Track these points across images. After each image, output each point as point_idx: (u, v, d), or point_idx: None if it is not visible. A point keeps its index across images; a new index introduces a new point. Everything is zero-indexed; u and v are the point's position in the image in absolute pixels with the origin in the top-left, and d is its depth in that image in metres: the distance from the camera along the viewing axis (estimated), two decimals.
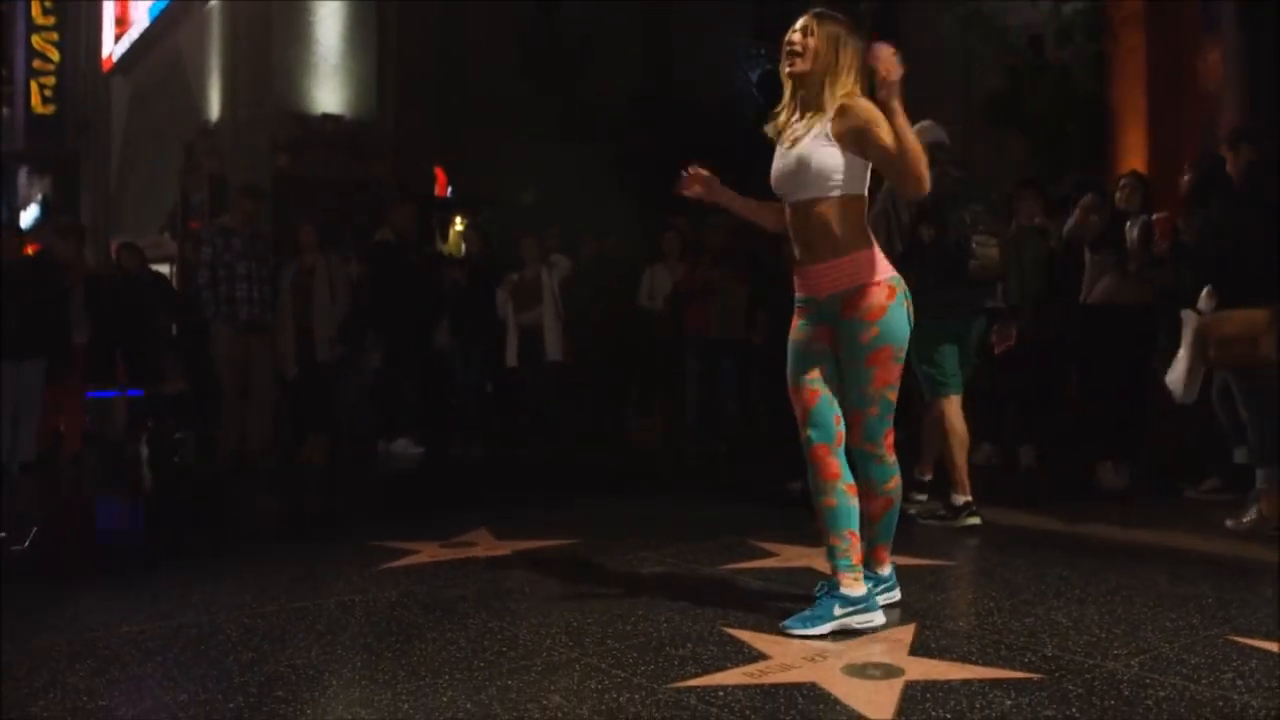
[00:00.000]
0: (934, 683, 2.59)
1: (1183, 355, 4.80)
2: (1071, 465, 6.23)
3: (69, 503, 6.81)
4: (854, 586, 3.05)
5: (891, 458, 3.17)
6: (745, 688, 2.58)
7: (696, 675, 2.68)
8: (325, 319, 7.69)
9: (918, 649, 2.88)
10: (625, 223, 10.31)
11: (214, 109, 16.58)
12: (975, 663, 2.75)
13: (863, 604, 3.05)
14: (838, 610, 3.01)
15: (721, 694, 2.54)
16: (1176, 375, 4.84)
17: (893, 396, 3.13)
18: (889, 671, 2.68)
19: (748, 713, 2.42)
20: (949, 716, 2.37)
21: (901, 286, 3.10)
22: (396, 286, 7.96)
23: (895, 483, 3.21)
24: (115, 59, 21.07)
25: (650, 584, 3.72)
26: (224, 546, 4.81)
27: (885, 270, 3.09)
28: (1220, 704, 2.43)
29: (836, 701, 2.48)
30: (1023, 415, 6.76)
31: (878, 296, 3.04)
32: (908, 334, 3.10)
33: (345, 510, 6.01)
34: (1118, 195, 6.03)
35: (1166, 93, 10.42)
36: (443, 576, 3.88)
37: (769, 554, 4.18)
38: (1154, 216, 5.63)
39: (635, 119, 15.26)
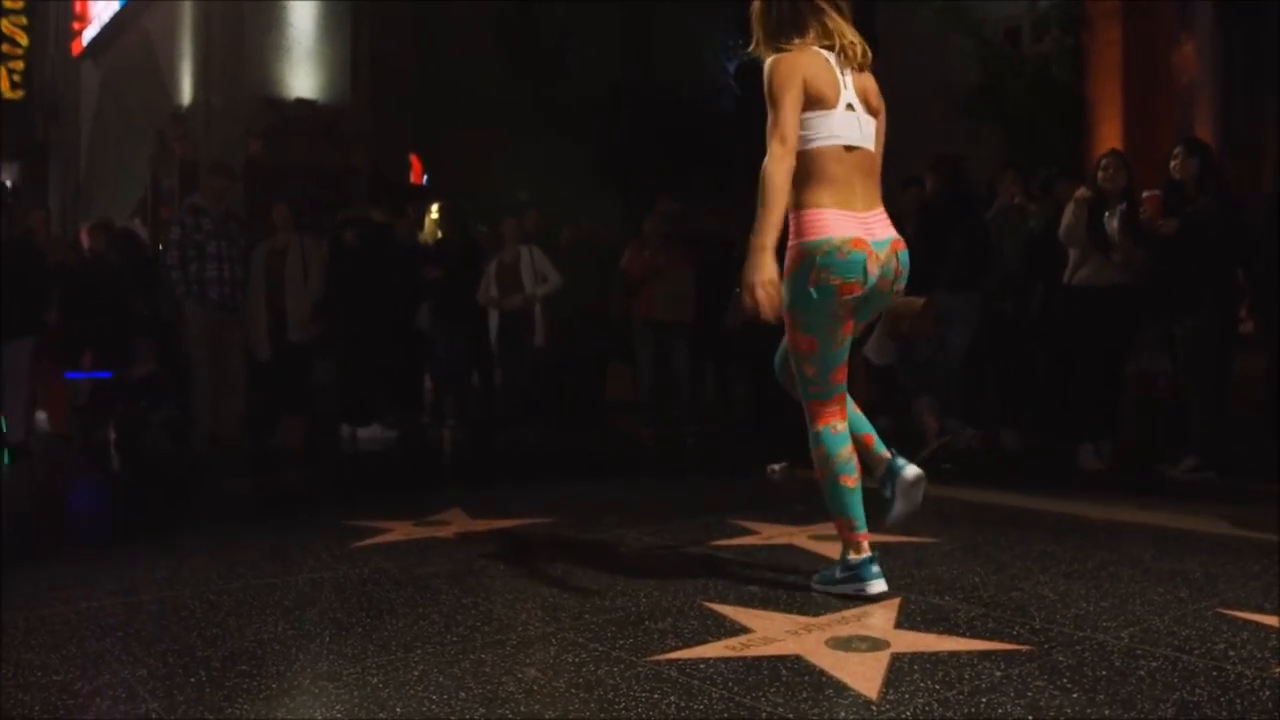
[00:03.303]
0: (921, 654, 2.52)
1: (877, 329, 5.80)
2: (1053, 447, 6.20)
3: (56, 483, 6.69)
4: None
5: (816, 427, 3.06)
6: (728, 660, 2.50)
7: (677, 648, 2.60)
8: (298, 299, 7.55)
9: (903, 622, 2.81)
10: (605, 214, 10.22)
11: (185, 94, 16.35)
12: (963, 635, 2.69)
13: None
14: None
15: (703, 666, 2.46)
16: (870, 345, 5.84)
17: (806, 369, 3.02)
18: (875, 644, 2.60)
19: (731, 685, 2.34)
20: (937, 687, 2.30)
21: (814, 252, 2.90)
22: (375, 268, 7.86)
23: (818, 453, 3.07)
24: (85, 43, 20.78)
25: (628, 560, 3.64)
26: (192, 526, 4.69)
27: (807, 233, 2.93)
28: (1214, 674, 2.37)
29: (822, 673, 2.40)
30: (1004, 398, 6.71)
31: (787, 260, 2.98)
32: (805, 304, 2.94)
33: (317, 491, 5.89)
34: (1100, 175, 5.95)
35: (1142, 86, 10.46)
36: (415, 554, 3.78)
37: (749, 532, 4.11)
38: (1144, 194, 5.58)
39: (615, 111, 15.14)
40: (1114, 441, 5.91)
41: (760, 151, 2.93)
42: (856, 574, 3.02)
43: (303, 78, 15.96)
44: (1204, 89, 10.58)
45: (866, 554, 3.02)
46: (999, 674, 2.38)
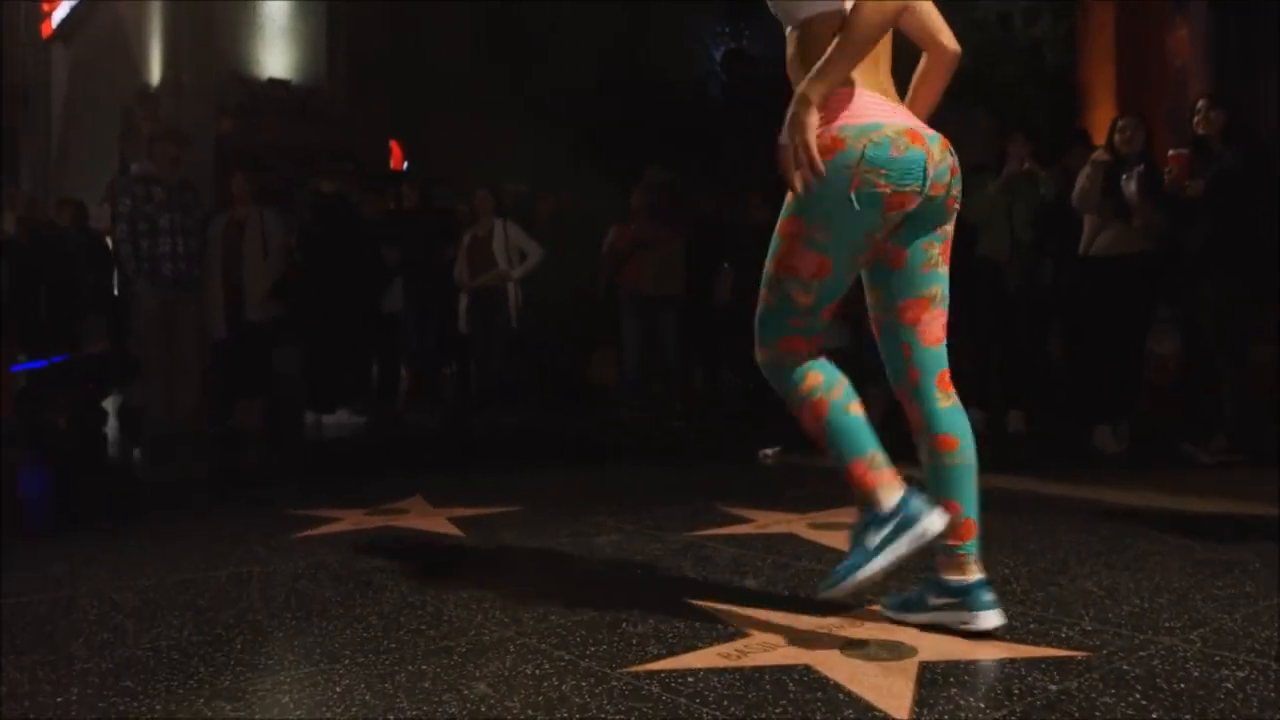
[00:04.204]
0: (956, 663, 2.07)
1: None
2: (1065, 429, 5.78)
3: None
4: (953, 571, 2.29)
5: (792, 360, 2.26)
6: (721, 671, 2.05)
7: (659, 657, 2.15)
8: (257, 276, 7.05)
9: (928, 623, 2.36)
10: (590, 202, 9.78)
11: (156, 73, 15.84)
12: (1001, 639, 2.24)
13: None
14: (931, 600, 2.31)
15: (691, 679, 2.01)
16: None
17: (798, 295, 2.20)
18: (898, 651, 2.16)
19: (725, 703, 1.89)
20: (982, 705, 1.85)
21: (860, 140, 2.08)
22: (337, 244, 7.38)
23: (809, 384, 2.25)
24: (54, 25, 20.22)
25: (605, 552, 3.19)
26: (121, 515, 4.22)
27: (845, 114, 2.12)
28: None
29: (838, 687, 1.95)
30: (1009, 379, 6.26)
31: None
32: (835, 215, 2.11)
33: (269, 477, 5.41)
34: (1117, 138, 5.52)
35: (1135, 70, 10.26)
36: (362, 545, 3.32)
37: (742, 520, 3.66)
38: (1170, 153, 5.14)
39: (601, 99, 14.74)
40: (1132, 423, 5.49)
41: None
42: (905, 519, 2.14)
43: (275, 56, 15.49)
44: (1197, 74, 10.27)
45: (902, 489, 2.18)
46: (1054, 688, 1.94)
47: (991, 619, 2.24)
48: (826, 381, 2.24)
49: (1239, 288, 4.94)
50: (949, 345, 2.35)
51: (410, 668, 2.11)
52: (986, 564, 2.89)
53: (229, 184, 7.77)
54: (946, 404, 2.31)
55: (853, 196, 2.08)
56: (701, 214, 7.93)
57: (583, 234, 8.14)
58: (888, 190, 2.10)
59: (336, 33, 15.69)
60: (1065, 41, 11.14)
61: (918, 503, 2.16)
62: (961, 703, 1.86)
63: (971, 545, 2.30)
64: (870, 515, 2.18)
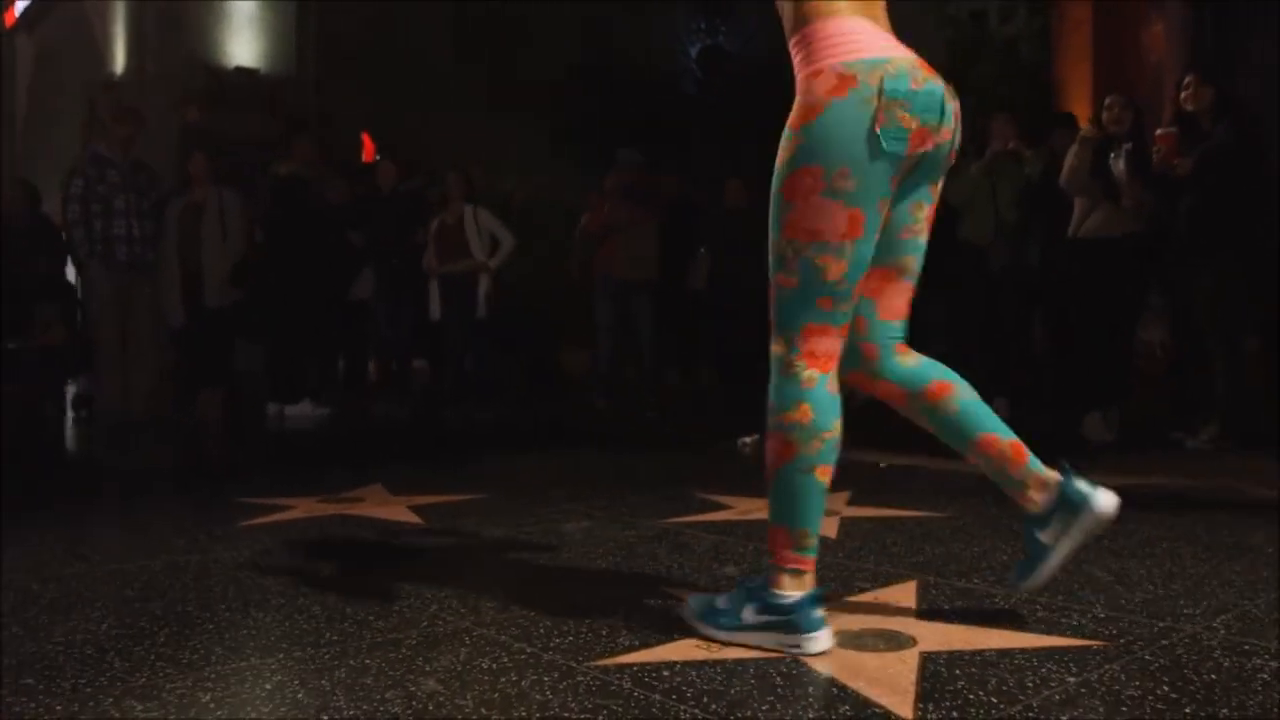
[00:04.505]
0: (960, 654, 1.87)
1: None
2: (1051, 416, 5.60)
3: None
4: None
5: (808, 372, 1.90)
6: (700, 664, 1.84)
7: (631, 650, 1.93)
8: (216, 259, 6.78)
9: (926, 611, 2.16)
10: (563, 192, 9.58)
11: (120, 62, 15.52)
12: (1008, 627, 2.04)
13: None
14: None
15: (667, 673, 1.79)
16: None
17: (828, 264, 1.85)
18: (895, 640, 1.95)
19: (705, 699, 1.67)
20: (994, 700, 1.64)
21: (873, 74, 1.82)
22: (298, 228, 7.11)
23: (798, 416, 1.90)
24: (18, 15, 19.81)
25: (574, 540, 2.97)
26: (61, 504, 3.95)
27: (851, 48, 1.86)
28: None
29: (831, 681, 1.74)
30: (994, 365, 6.07)
31: (816, 89, 1.85)
32: (860, 157, 1.81)
33: (223, 467, 5.15)
34: (1105, 116, 5.36)
35: (1111, 66, 10.20)
36: (312, 534, 3.09)
37: (720, 506, 3.45)
38: (1159, 132, 4.97)
39: (574, 92, 14.54)
40: (1122, 410, 5.32)
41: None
42: (792, 620, 1.88)
43: (243, 45, 15.20)
44: (1173, 71, 10.20)
45: (811, 588, 1.93)
46: (1073, 680, 1.73)
47: (1109, 495, 2.04)
48: (814, 425, 1.90)
49: (1230, 265, 4.78)
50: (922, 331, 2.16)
51: (352, 662, 1.88)
52: (982, 553, 2.71)
53: (188, 165, 7.52)
54: (912, 360, 2.09)
55: (879, 134, 1.81)
56: (675, 197, 7.76)
57: (557, 223, 7.93)
58: (914, 126, 1.84)
59: (306, 23, 15.42)
60: (1040, 38, 11.08)
61: (817, 615, 1.90)
62: (970, 697, 1.66)
63: (1035, 459, 2.12)
64: (765, 589, 1.93)
